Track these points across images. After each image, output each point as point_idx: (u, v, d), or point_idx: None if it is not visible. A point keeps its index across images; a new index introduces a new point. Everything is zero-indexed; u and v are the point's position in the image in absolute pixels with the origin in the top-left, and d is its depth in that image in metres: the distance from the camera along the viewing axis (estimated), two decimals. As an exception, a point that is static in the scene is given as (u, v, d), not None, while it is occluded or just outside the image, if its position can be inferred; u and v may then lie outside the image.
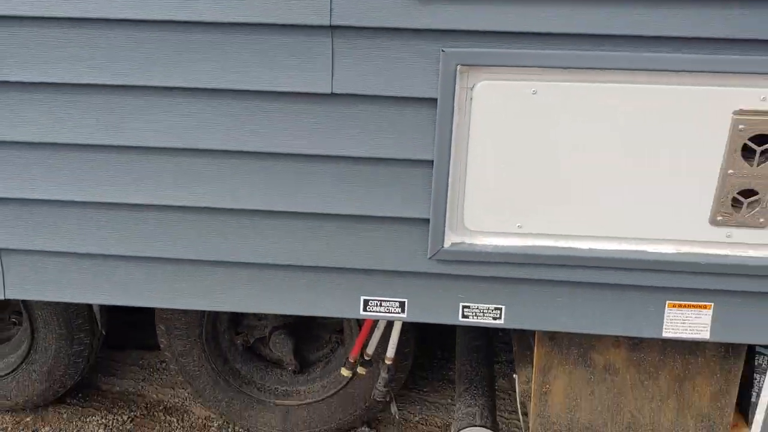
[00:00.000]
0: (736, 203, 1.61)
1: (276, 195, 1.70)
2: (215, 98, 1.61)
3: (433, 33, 1.50)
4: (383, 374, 2.34)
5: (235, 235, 1.76)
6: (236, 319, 2.68)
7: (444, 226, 1.68)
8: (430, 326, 2.13)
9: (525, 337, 2.17)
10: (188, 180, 1.70)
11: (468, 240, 1.72)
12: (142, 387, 3.01)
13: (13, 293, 1.90)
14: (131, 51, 1.58)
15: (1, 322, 2.81)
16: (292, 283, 1.82)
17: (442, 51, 1.50)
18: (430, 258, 1.73)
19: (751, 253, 1.67)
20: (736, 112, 1.52)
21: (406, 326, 2.34)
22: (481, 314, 1.81)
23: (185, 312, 2.51)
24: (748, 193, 1.59)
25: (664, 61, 1.49)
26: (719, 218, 1.63)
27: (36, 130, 1.68)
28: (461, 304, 1.80)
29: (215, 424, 2.80)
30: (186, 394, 2.95)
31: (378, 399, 2.43)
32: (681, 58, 1.49)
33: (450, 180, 1.63)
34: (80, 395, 2.94)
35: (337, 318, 2.55)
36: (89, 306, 2.61)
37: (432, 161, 1.61)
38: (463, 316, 1.82)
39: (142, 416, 2.85)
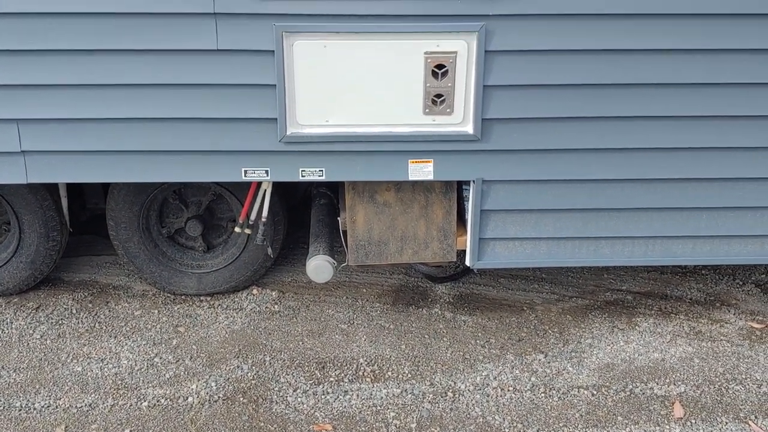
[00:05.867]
0: (434, 102, 3.12)
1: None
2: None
3: (270, 15, 2.92)
4: (261, 227, 3.75)
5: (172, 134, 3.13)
6: (161, 214, 3.99)
7: (286, 122, 3.11)
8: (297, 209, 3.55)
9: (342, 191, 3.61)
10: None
11: (300, 130, 3.16)
12: (94, 276, 4.28)
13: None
14: (107, 30, 2.91)
15: (-4, 230, 4.00)
16: (202, 161, 3.20)
17: (274, 24, 2.93)
18: (279, 141, 3.15)
19: (446, 129, 3.19)
20: (426, 53, 3.03)
21: (275, 198, 3.74)
22: (311, 174, 3.25)
23: (129, 210, 3.81)
24: (439, 96, 3.11)
25: (390, 28, 2.97)
26: (427, 111, 3.13)
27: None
28: (300, 168, 3.24)
29: (150, 293, 4.11)
30: (127, 279, 4.24)
31: (258, 243, 3.81)
32: (398, 26, 2.98)
33: (287, 95, 3.06)
34: (50, 284, 4.17)
35: (230, 210, 3.93)
36: (60, 212, 3.86)
37: (275, 85, 3.04)
38: (302, 176, 3.25)
39: (98, 292, 4.13)
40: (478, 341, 3.74)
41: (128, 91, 3.04)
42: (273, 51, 2.97)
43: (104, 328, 3.80)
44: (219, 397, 3.30)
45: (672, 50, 3.04)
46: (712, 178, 3.32)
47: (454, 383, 3.41)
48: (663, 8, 2.96)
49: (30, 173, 3.20)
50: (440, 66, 3.04)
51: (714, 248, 3.50)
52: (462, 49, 3.01)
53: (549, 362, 3.58)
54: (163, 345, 3.66)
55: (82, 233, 4.39)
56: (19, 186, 3.63)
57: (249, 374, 3.45)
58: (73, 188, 3.97)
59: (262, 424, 3.15)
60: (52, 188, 3.80)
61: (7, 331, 3.74)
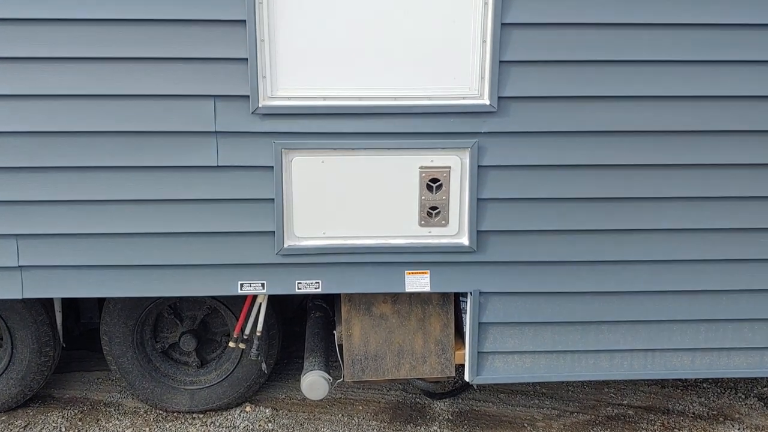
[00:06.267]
0: (429, 214, 3.17)
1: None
2: (156, 171, 3.05)
3: (269, 134, 3.02)
4: (255, 342, 3.69)
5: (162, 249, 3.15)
6: (156, 329, 3.95)
7: (283, 235, 3.14)
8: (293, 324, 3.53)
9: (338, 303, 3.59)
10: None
11: (297, 242, 3.18)
12: (86, 393, 4.18)
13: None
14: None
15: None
16: (199, 275, 3.20)
17: (274, 142, 3.01)
18: (276, 253, 3.17)
19: (442, 240, 3.22)
20: (421, 167, 3.11)
21: (270, 311, 3.71)
22: (307, 286, 3.25)
23: (124, 324, 3.77)
24: (434, 208, 3.16)
25: (386, 144, 3.06)
26: (423, 222, 3.18)
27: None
28: (296, 281, 3.24)
29: (142, 410, 4.01)
30: (119, 396, 4.14)
31: (252, 358, 3.74)
32: (393, 142, 3.07)
33: (284, 208, 3.11)
34: (39, 401, 4.06)
35: (225, 324, 3.90)
36: (54, 327, 3.82)
37: (273, 199, 3.09)
38: (298, 289, 3.25)
39: (89, 409, 4.02)
40: (478, 460, 3.62)
41: (127, 207, 3.09)
42: (272, 167, 3.04)
43: (92, 448, 3.68)
44: None
45: (664, 165, 3.13)
46: (710, 290, 3.33)
47: (455, 505, 3.27)
48: (638, 127, 3.08)
49: (26, 288, 3.19)
50: (435, 180, 3.11)
51: (714, 361, 3.45)
52: (455, 164, 3.09)
53: (553, 482, 3.45)
54: (153, 466, 3.54)
55: (74, 348, 4.32)
56: (14, 301, 3.61)
57: (241, 497, 3.31)
58: (68, 302, 3.95)
59: None
60: (47, 303, 3.78)
61: (-9, 452, 3.62)
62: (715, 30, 2.96)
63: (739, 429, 3.94)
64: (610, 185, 3.14)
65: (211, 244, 3.16)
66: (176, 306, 3.91)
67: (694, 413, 4.09)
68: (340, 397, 4.18)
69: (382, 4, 2.89)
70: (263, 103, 2.96)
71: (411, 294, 3.37)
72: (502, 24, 2.90)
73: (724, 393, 4.32)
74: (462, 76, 3.00)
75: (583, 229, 3.20)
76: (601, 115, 3.04)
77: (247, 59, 2.90)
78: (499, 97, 3.00)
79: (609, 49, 2.96)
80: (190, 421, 3.91)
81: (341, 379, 3.54)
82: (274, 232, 3.13)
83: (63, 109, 2.94)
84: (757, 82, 3.03)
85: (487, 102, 3.01)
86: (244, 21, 2.86)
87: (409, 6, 2.90)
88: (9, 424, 3.85)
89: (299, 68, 2.96)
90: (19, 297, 3.20)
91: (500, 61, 2.95)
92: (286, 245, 3.16)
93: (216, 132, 3.00)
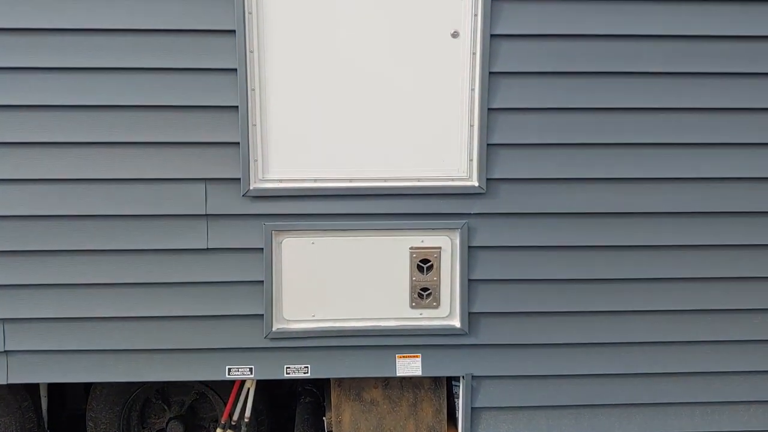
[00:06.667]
0: (420, 296, 3.15)
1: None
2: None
3: (259, 216, 3.03)
4: (244, 428, 3.59)
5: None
6: (143, 414, 3.86)
7: (272, 318, 3.11)
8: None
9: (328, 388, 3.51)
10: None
11: (286, 326, 3.15)
12: (69, 482, 4.05)
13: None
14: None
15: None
16: (186, 359, 3.15)
17: (264, 224, 3.02)
18: (265, 337, 3.13)
19: (433, 323, 3.18)
20: (411, 248, 3.11)
21: (258, 396, 3.63)
22: (296, 371, 3.19)
23: (110, 410, 3.69)
24: (425, 289, 3.14)
25: (376, 225, 3.07)
26: (414, 304, 3.15)
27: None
28: (284, 365, 3.18)
29: (126, 500, 3.87)
30: (102, 485, 4.00)
31: None
32: (384, 223, 3.07)
33: (273, 291, 3.08)
34: (20, 492, 3.93)
35: (213, 409, 3.81)
36: (39, 412, 3.73)
37: (263, 281, 3.07)
38: (286, 373, 3.19)
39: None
40: None
41: (115, 290, 3.07)
42: (262, 248, 3.04)
43: None
44: None
45: (655, 247, 3.13)
46: (703, 372, 3.27)
47: None
48: (627, 208, 3.10)
49: (11, 373, 3.14)
50: (425, 261, 3.10)
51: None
52: (446, 244, 3.09)
53: None
54: None
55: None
56: (-2, 386, 3.54)
57: None
58: (54, 387, 3.87)
59: None
60: (32, 387, 3.70)
61: None
62: (703, 114, 3.03)
63: None
64: (601, 265, 3.13)
65: (199, 327, 3.12)
66: (164, 390, 3.83)
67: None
68: (332, 486, 4.04)
69: (372, 89, 2.95)
70: (254, 185, 2.99)
71: (402, 378, 3.31)
72: (489, 109, 2.96)
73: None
74: (451, 158, 3.04)
75: (575, 310, 3.17)
76: (590, 196, 3.06)
77: (239, 143, 2.94)
78: (488, 179, 3.03)
79: (597, 133, 3.01)
80: None
81: (331, 468, 3.43)
82: (262, 315, 3.10)
83: (54, 192, 2.96)
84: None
85: (476, 183, 3.03)
86: (237, 107, 2.91)
87: (399, 90, 2.96)
88: None
89: (290, 151, 2.99)
90: (4, 382, 3.14)
91: (488, 144, 2.99)
92: (274, 329, 3.12)
93: (207, 215, 3.01)
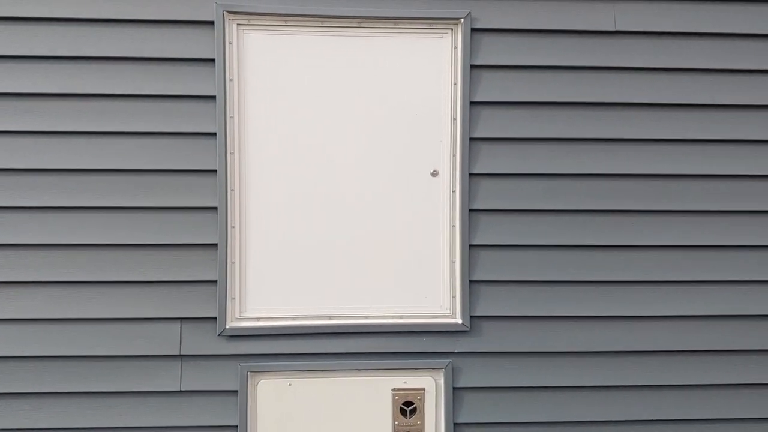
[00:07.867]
0: (403, 441, 2.99)
1: None
2: (115, 397, 2.90)
3: (235, 356, 2.92)
4: None
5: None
6: None
7: None
8: None
9: None
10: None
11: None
12: None
13: None
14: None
15: None
16: None
17: (240, 365, 2.91)
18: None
19: (418, 470, 3.01)
20: (393, 390, 2.98)
21: None
22: None
23: None
24: (408, 434, 2.99)
25: (356, 365, 2.96)
26: (397, 450, 3.00)
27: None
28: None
29: None
30: None
31: None
32: (364, 363, 2.96)
33: None
34: None
35: None
36: None
37: (237, 426, 2.92)
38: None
39: None
40: None
41: (83, 436, 2.92)
42: (237, 391, 2.91)
43: None
44: None
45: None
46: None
47: None
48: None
49: None
50: (408, 403, 2.97)
51: None
52: (430, 385, 2.97)
53: None
54: None
55: None
56: None
57: None
58: None
59: None
60: None
61: None
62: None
63: None
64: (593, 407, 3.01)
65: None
66: None
67: None
68: None
69: (353, 223, 2.94)
70: (230, 324, 2.91)
71: None
72: (470, 245, 2.94)
73: None
74: (433, 295, 2.98)
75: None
76: (577, 333, 2.98)
77: (216, 281, 2.89)
78: (471, 316, 2.96)
79: (583, 269, 2.98)
80: None
81: None
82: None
83: (28, 333, 2.87)
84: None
85: (460, 321, 2.96)
86: (216, 245, 2.88)
87: (380, 225, 2.95)
88: None
89: (268, 288, 2.94)
90: None
91: (470, 281, 2.95)
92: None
93: (181, 356, 2.91)
